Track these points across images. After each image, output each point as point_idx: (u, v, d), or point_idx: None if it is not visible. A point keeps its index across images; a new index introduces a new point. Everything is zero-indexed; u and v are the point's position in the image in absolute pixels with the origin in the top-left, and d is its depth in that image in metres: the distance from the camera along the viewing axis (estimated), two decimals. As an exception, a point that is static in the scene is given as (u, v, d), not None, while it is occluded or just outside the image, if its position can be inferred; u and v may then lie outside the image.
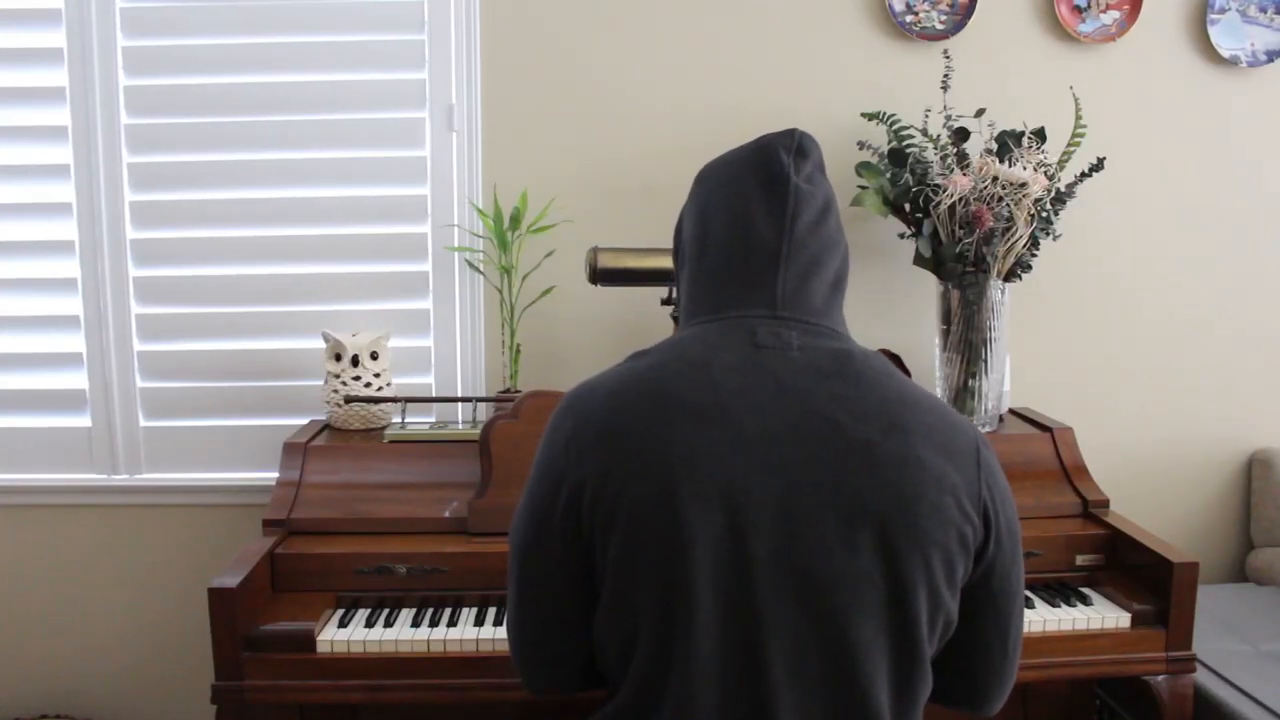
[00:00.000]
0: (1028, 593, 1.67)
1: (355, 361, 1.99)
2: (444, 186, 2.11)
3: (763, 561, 0.99)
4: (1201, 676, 1.70)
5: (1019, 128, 1.91)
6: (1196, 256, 2.18)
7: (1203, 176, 2.16)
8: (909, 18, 2.08)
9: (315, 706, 1.71)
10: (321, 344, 2.04)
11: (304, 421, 2.08)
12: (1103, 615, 1.61)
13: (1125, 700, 1.74)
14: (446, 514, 1.74)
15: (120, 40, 2.06)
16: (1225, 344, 2.20)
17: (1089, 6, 2.09)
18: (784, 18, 2.10)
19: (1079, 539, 1.75)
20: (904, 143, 1.98)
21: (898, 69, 2.11)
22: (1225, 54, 2.10)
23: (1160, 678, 1.61)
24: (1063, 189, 1.92)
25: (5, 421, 2.17)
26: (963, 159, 1.89)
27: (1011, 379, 2.13)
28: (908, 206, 1.96)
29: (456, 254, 2.11)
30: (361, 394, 1.98)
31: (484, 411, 2.09)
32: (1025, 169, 1.83)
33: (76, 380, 2.15)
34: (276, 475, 1.81)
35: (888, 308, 2.16)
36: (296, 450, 1.84)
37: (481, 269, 2.12)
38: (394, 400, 1.98)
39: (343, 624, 1.58)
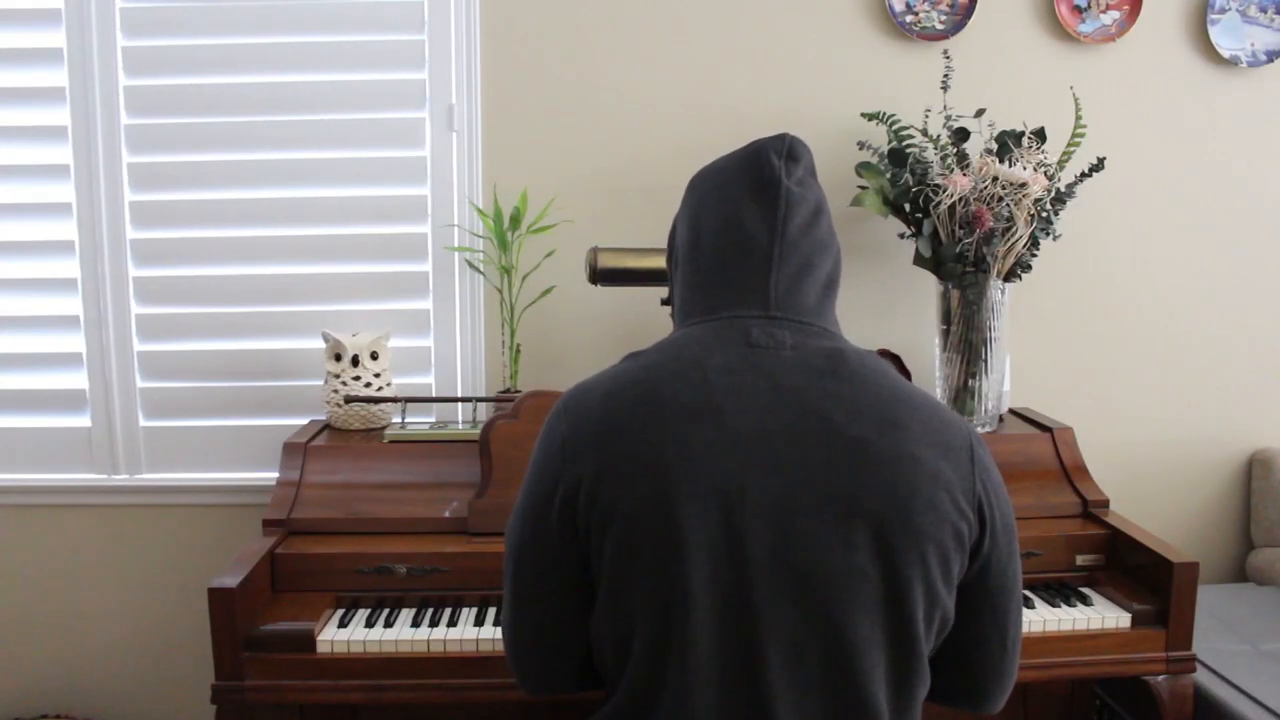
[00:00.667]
0: (1027, 592, 1.67)
1: (355, 361, 1.99)
2: (444, 186, 2.11)
3: (759, 560, 0.99)
4: (1201, 676, 1.71)
5: (1019, 128, 1.91)
6: (1196, 256, 2.18)
7: (1203, 176, 2.16)
8: (909, 18, 2.08)
9: (315, 706, 1.71)
10: (321, 344, 2.04)
11: (304, 421, 2.08)
12: (1103, 615, 1.61)
13: (1125, 700, 1.74)
14: (446, 514, 1.74)
15: (120, 40, 2.06)
16: (1225, 344, 2.20)
17: (1089, 6, 2.09)
18: (784, 18, 2.10)
19: (1079, 539, 1.75)
20: (904, 143, 1.98)
21: (898, 69, 2.11)
22: (1225, 54, 2.10)
23: (1160, 678, 1.61)
24: (1063, 189, 1.92)
25: (5, 421, 2.17)
26: (963, 159, 1.90)
27: (1011, 379, 2.13)
28: (908, 206, 1.96)
29: (456, 254, 2.11)
30: (361, 394, 1.98)
31: (484, 411, 2.10)
32: (1025, 169, 1.83)
33: (76, 380, 2.15)
34: (276, 475, 1.81)
35: (888, 308, 2.16)
36: (296, 450, 1.84)
37: (481, 269, 2.12)
38: (394, 400, 1.98)
39: (343, 624, 1.58)
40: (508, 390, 2.04)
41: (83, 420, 2.16)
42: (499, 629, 1.56)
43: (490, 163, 2.12)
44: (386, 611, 1.62)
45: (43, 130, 2.09)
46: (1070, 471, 1.86)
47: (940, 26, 2.08)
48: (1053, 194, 1.89)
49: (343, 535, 1.72)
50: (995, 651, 1.13)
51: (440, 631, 1.55)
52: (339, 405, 1.98)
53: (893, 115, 2.01)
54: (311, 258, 2.12)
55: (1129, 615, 1.60)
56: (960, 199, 1.84)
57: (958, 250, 1.87)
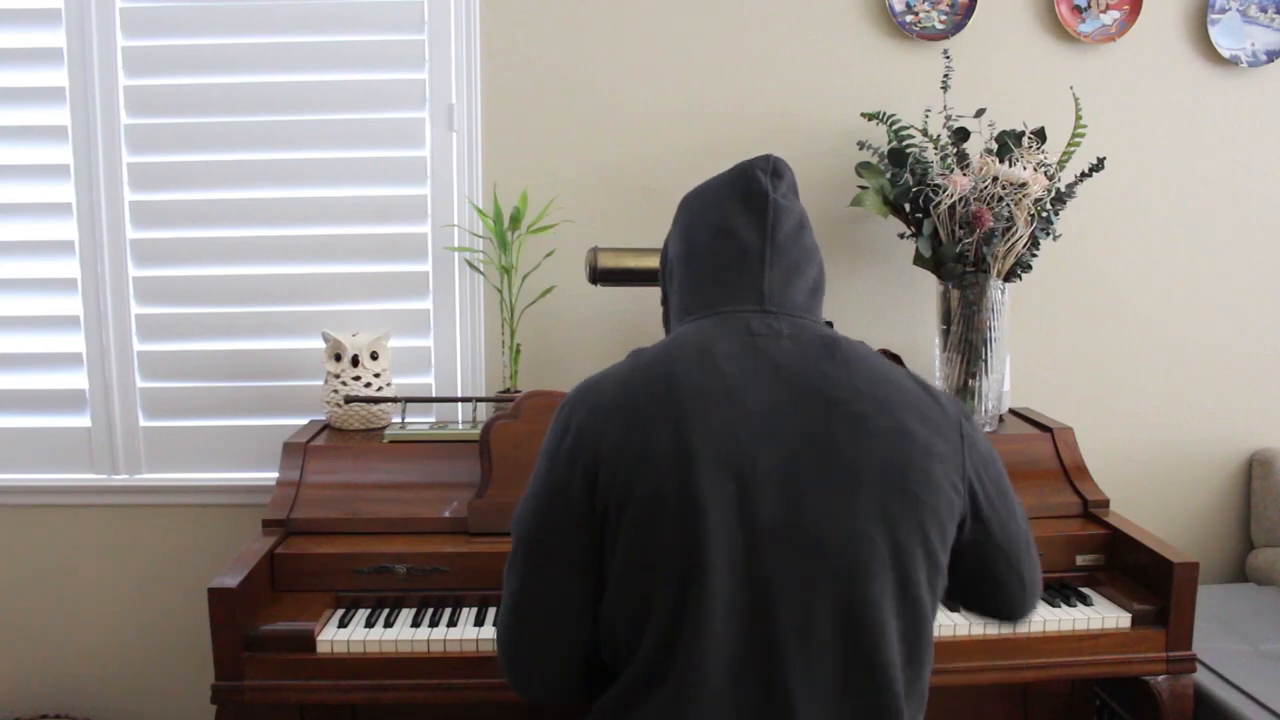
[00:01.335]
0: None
1: (355, 361, 1.99)
2: (444, 186, 2.11)
3: (770, 529, 1.05)
4: (1201, 676, 1.71)
5: (1019, 128, 1.91)
6: (1197, 256, 2.18)
7: (1203, 177, 2.16)
8: (909, 18, 2.08)
9: (315, 706, 1.71)
10: (321, 344, 2.04)
11: (304, 421, 2.08)
12: (1103, 615, 1.61)
13: (1125, 700, 1.74)
14: (446, 514, 1.74)
15: (120, 40, 2.06)
16: (1226, 344, 2.20)
17: (1089, 6, 2.09)
18: (784, 18, 2.10)
19: (1079, 539, 1.75)
20: (904, 143, 1.98)
21: (898, 69, 2.11)
22: (1225, 54, 2.10)
23: (1160, 678, 1.61)
24: (1063, 189, 1.92)
25: (5, 421, 2.17)
26: (963, 159, 1.89)
27: (1011, 379, 2.13)
28: (908, 206, 1.96)
29: (456, 254, 2.11)
30: (361, 394, 1.98)
31: (484, 411, 2.10)
32: (1025, 169, 1.83)
33: (76, 380, 2.15)
34: (276, 475, 1.81)
35: (888, 308, 2.16)
36: (296, 450, 1.84)
37: (481, 269, 2.12)
38: (394, 400, 1.98)
39: (343, 624, 1.58)
40: (508, 390, 2.04)
41: (83, 420, 2.16)
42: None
43: (490, 163, 2.12)
44: (386, 611, 1.62)
45: (43, 130, 2.09)
46: (1070, 471, 1.86)
47: (940, 26, 2.08)
48: (1053, 194, 1.89)
49: (342, 535, 1.72)
50: (1015, 590, 1.22)
51: (440, 631, 1.55)
52: (339, 405, 1.98)
53: (893, 115, 2.01)
54: (311, 258, 2.12)
55: (1129, 615, 1.60)
56: (960, 199, 1.84)
57: (958, 250, 1.87)
